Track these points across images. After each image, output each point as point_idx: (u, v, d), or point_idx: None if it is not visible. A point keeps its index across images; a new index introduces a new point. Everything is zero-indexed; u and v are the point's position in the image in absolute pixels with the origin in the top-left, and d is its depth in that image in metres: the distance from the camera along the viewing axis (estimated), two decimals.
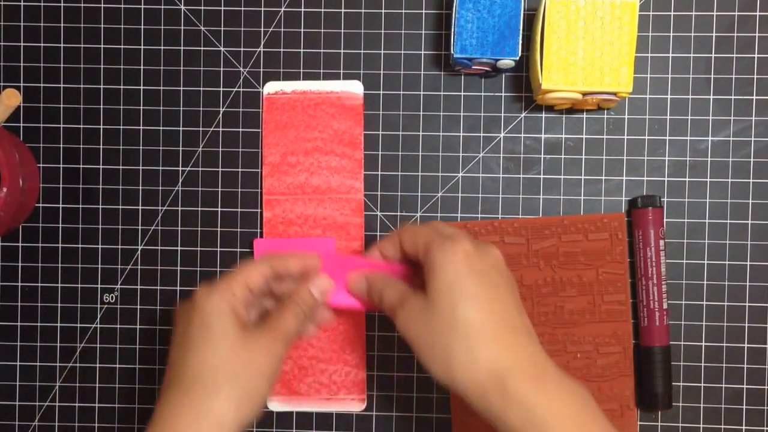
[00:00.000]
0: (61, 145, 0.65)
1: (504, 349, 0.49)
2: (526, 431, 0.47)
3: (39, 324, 0.65)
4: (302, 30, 0.64)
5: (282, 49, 0.64)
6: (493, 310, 0.50)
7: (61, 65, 0.65)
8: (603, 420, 0.49)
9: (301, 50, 0.64)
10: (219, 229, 0.64)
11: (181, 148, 0.64)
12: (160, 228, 0.64)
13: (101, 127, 0.65)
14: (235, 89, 0.64)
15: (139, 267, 0.65)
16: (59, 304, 0.65)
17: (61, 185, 0.65)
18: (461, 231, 0.54)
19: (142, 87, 0.64)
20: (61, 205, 0.65)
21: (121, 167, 0.65)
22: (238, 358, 0.51)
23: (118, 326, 0.65)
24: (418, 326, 0.51)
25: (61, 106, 0.65)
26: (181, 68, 0.64)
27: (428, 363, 0.51)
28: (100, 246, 0.65)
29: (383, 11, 0.63)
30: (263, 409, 0.53)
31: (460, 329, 0.49)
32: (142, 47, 0.64)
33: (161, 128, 0.64)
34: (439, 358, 0.50)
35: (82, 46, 0.64)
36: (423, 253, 0.52)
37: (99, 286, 0.65)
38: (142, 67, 0.64)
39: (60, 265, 0.65)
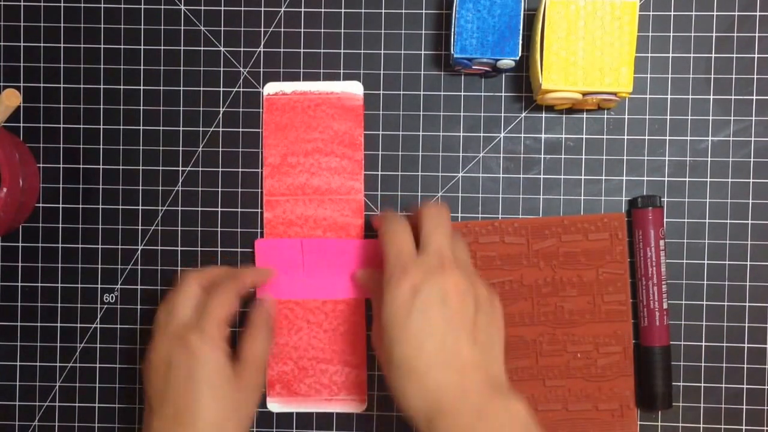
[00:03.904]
0: (61, 145, 0.65)
1: (429, 390, 0.51)
2: None
3: (39, 324, 0.65)
4: (302, 30, 0.64)
5: (282, 49, 0.64)
6: (422, 350, 0.51)
7: (61, 65, 0.64)
8: None
9: (301, 50, 0.64)
10: (219, 230, 0.64)
11: (181, 148, 0.64)
12: (160, 228, 0.64)
13: (101, 127, 0.65)
14: (235, 89, 0.64)
15: (139, 267, 0.65)
16: (59, 304, 0.65)
17: (61, 185, 0.65)
18: (421, 255, 0.54)
19: (142, 87, 0.64)
20: (61, 205, 0.65)
21: (121, 167, 0.65)
22: (239, 401, 0.56)
23: (118, 326, 0.65)
24: (379, 346, 0.55)
25: (61, 106, 0.65)
26: (181, 68, 0.64)
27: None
28: (100, 246, 0.65)
29: (383, 11, 0.63)
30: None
31: (394, 368, 0.52)
32: (142, 47, 0.64)
33: (161, 128, 0.64)
34: (391, 385, 0.53)
35: (82, 46, 0.64)
36: (383, 279, 0.54)
37: (99, 286, 0.65)
38: (142, 67, 0.64)
39: (60, 265, 0.65)
